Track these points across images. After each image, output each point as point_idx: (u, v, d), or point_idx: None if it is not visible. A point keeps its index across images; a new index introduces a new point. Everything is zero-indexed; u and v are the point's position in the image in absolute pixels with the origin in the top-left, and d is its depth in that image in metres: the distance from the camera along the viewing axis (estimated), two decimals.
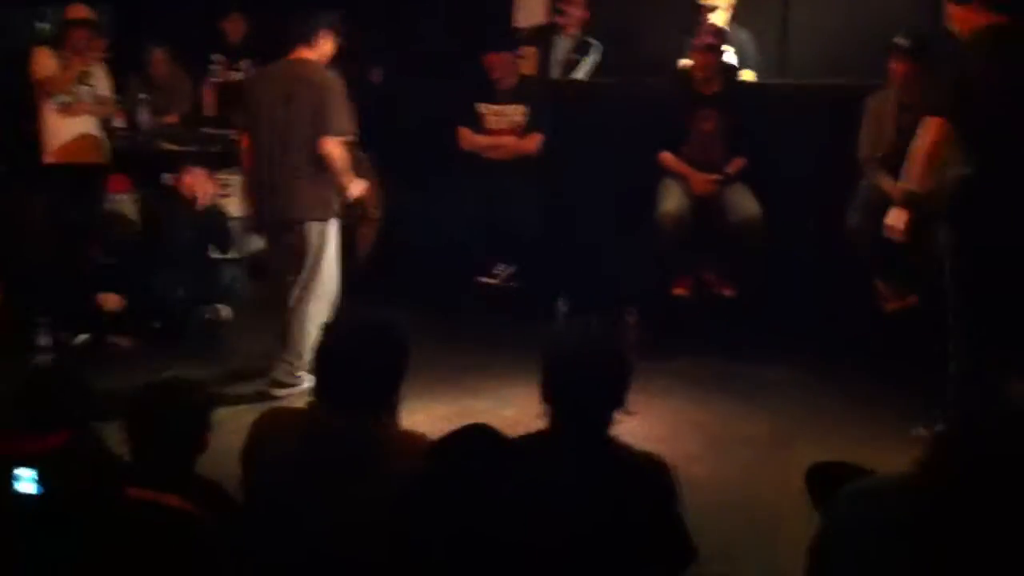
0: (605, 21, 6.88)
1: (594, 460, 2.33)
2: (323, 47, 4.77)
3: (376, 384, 2.47)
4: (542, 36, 6.86)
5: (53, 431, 2.50)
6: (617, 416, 2.40)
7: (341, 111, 4.68)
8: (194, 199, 5.86)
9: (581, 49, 6.74)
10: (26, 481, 2.35)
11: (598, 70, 6.70)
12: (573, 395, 2.38)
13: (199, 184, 5.88)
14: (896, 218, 4.19)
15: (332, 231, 4.81)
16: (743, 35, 6.38)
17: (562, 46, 6.81)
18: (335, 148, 4.67)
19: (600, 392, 2.38)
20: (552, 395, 2.40)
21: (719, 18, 6.30)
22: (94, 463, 2.60)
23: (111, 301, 5.52)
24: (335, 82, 4.72)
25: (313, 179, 4.69)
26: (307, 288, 4.76)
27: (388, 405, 2.54)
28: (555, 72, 6.76)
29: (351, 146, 4.91)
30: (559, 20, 6.79)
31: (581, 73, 6.71)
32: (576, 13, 6.73)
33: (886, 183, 5.12)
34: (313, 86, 4.66)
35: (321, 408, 2.47)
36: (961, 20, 3.98)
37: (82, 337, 5.37)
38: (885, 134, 5.26)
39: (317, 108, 4.62)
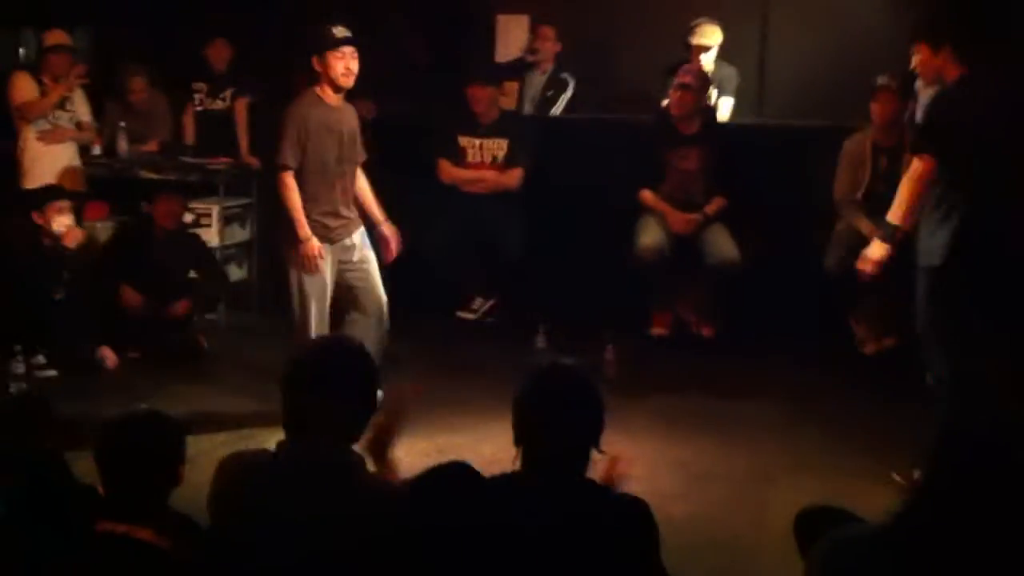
0: (582, 55, 6.95)
1: (570, 501, 2.29)
2: (321, 74, 4.63)
3: (346, 412, 2.43)
4: (518, 71, 6.90)
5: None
6: (593, 455, 2.37)
7: (277, 141, 4.65)
8: (169, 226, 5.84)
9: (555, 84, 6.79)
10: None
11: (570, 104, 6.77)
12: (546, 436, 2.33)
13: (172, 211, 5.86)
14: (875, 252, 4.18)
15: (295, 269, 4.69)
16: (727, 70, 6.47)
17: (535, 82, 6.86)
18: (279, 181, 4.65)
19: (573, 432, 2.34)
20: (525, 437, 2.35)
21: (710, 57, 6.35)
22: (63, 494, 2.59)
23: (181, 307, 5.73)
24: (285, 111, 4.67)
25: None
26: None
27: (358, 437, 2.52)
28: (528, 107, 6.79)
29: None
30: (530, 57, 6.85)
31: (559, 109, 6.75)
32: (548, 47, 6.79)
33: (863, 224, 5.21)
34: None
35: (289, 446, 2.42)
36: (929, 67, 4.02)
37: (49, 372, 5.30)
38: (861, 176, 5.34)
39: None
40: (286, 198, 4.63)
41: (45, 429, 2.64)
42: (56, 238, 5.45)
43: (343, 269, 4.81)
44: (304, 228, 4.62)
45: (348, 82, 4.64)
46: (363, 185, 4.95)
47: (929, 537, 1.83)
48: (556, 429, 2.33)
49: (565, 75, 6.82)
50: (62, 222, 5.48)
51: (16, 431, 2.55)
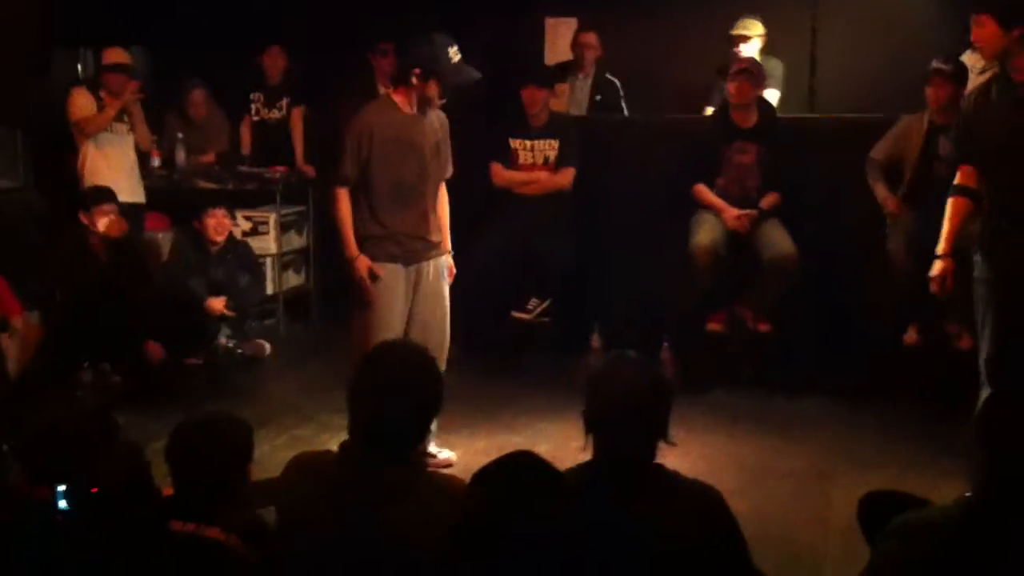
0: (628, 56, 6.97)
1: (644, 488, 2.35)
2: (412, 86, 4.17)
3: (411, 419, 2.46)
4: (566, 73, 6.92)
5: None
6: (660, 445, 2.42)
7: (336, 153, 4.23)
8: (220, 238, 5.96)
9: (603, 87, 6.85)
10: (59, 497, 2.42)
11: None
12: (618, 423, 2.39)
13: (220, 224, 5.95)
14: (936, 269, 3.99)
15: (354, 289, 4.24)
16: (772, 62, 6.52)
17: (579, 86, 6.90)
18: (332, 195, 4.29)
19: (644, 419, 2.40)
20: (596, 425, 2.42)
21: (752, 49, 6.42)
22: (136, 495, 2.65)
23: (216, 305, 5.80)
24: (350, 120, 4.25)
25: None
26: None
27: (421, 438, 2.57)
28: (574, 112, 6.79)
29: None
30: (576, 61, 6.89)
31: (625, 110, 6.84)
32: (590, 54, 6.85)
33: (878, 190, 5.38)
34: None
35: (355, 448, 2.45)
36: (994, 44, 3.72)
37: (115, 379, 5.41)
38: (907, 149, 5.36)
39: None
40: (335, 213, 4.24)
41: (108, 437, 2.71)
42: (101, 237, 5.56)
43: (415, 295, 4.29)
44: (351, 247, 4.20)
45: (435, 106, 4.24)
46: (442, 205, 4.43)
47: (1001, 519, 1.81)
48: (626, 416, 2.39)
49: (609, 76, 6.87)
50: (105, 223, 5.58)
51: (80, 440, 2.62)
